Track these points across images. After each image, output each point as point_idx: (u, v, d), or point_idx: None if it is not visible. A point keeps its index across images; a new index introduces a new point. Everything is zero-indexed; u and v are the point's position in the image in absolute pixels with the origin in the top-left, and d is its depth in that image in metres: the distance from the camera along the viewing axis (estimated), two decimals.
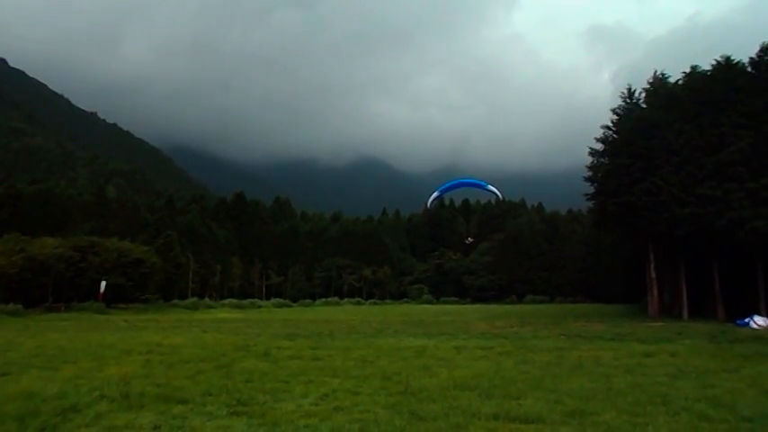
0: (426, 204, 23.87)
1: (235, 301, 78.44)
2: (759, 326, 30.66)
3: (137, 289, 60.90)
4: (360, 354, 15.65)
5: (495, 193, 22.70)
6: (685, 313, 43.74)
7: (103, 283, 53.92)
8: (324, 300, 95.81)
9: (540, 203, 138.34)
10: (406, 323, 33.36)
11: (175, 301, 69.63)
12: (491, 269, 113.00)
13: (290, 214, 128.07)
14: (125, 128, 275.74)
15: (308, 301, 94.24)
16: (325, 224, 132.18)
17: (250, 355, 15.34)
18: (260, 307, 76.60)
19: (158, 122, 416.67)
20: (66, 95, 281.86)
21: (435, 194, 23.22)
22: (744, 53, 43.24)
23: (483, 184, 23.12)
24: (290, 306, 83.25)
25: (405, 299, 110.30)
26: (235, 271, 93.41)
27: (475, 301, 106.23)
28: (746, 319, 32.29)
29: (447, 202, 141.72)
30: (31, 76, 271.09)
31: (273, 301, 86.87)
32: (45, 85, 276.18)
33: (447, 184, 23.53)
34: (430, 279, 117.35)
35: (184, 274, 78.79)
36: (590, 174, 48.97)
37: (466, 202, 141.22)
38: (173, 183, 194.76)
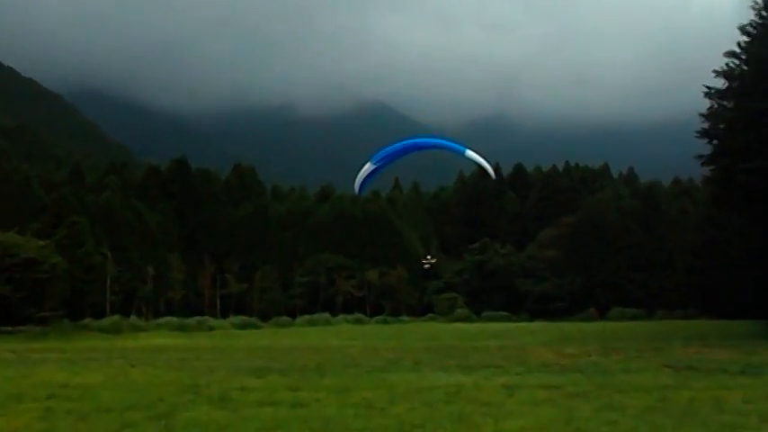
0: (355, 187, 21.21)
1: (175, 319, 78.94)
2: None
3: (29, 303, 61.18)
4: (363, 397, 15.71)
5: (481, 165, 20.74)
6: None
7: None
8: (308, 317, 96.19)
9: (630, 170, 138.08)
10: (431, 350, 33.45)
11: (88, 321, 70.14)
12: (558, 269, 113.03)
13: (257, 189, 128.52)
14: (6, 63, 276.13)
15: (284, 318, 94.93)
16: (308, 204, 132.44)
17: (200, 401, 15.43)
18: (212, 329, 77.05)
19: (55, 57, 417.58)
20: None
21: (367, 167, 20.60)
22: None
23: (457, 146, 20.86)
24: (257, 327, 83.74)
25: (430, 314, 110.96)
26: (175, 275, 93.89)
27: (534, 316, 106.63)
28: None
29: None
30: None
31: (233, 319, 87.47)
32: None
33: (386, 149, 20.74)
34: (466, 285, 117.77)
35: (100, 281, 79.27)
36: (707, 125, 48.58)
37: (519, 167, 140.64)
38: (80, 144, 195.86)
